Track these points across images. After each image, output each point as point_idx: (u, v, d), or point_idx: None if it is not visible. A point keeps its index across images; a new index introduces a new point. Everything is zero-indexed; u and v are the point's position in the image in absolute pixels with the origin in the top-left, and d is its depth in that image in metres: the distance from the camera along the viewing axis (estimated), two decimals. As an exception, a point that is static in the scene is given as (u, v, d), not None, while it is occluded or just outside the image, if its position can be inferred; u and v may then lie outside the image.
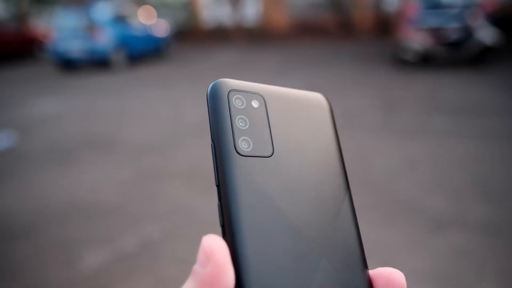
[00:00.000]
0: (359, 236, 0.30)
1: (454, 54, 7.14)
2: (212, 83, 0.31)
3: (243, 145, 0.28)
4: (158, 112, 5.39)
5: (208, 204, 2.75)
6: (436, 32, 7.13)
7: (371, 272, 0.29)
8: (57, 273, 2.10)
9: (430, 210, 2.51)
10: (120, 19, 10.11)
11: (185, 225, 2.52)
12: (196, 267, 0.24)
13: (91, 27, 9.42)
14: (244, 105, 0.30)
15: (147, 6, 13.46)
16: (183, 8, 17.37)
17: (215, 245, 0.24)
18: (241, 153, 0.28)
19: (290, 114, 0.32)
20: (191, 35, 15.58)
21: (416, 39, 7.27)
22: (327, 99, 0.35)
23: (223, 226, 0.26)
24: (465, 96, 5.17)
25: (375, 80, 6.39)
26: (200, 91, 6.54)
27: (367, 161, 3.35)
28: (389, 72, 7.00)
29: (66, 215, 2.71)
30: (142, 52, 10.48)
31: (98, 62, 9.42)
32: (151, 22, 11.65)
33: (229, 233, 0.26)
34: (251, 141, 0.29)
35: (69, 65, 9.61)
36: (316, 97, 0.34)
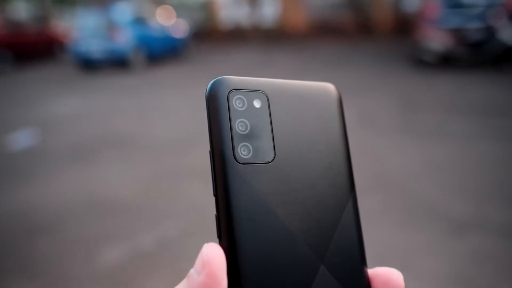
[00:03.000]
0: (360, 235, 0.30)
1: (476, 55, 7.00)
2: (211, 82, 0.29)
3: (243, 152, 0.27)
4: (177, 112, 5.44)
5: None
6: (457, 33, 7.00)
7: (370, 271, 0.29)
8: (77, 269, 2.14)
9: (451, 213, 2.47)
10: (139, 20, 10.22)
11: (202, 223, 2.53)
12: (192, 272, 0.25)
13: (111, 28, 9.55)
14: (245, 106, 0.28)
15: (166, 6, 13.59)
16: (202, 9, 17.47)
17: (213, 254, 0.24)
18: (240, 161, 0.27)
19: (295, 110, 0.30)
20: (209, 36, 15.66)
21: (436, 40, 7.16)
22: (337, 89, 0.32)
23: (219, 238, 0.26)
24: (487, 98, 5.07)
25: (395, 81, 6.32)
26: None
27: (387, 162, 3.31)
28: (408, 73, 6.91)
29: (87, 212, 2.75)
30: (161, 53, 10.57)
31: (117, 63, 9.54)
32: (170, 22, 11.74)
33: (225, 245, 0.26)
34: (251, 147, 0.27)
35: (89, 65, 9.76)
36: (325, 88, 0.32)
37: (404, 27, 12.40)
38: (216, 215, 0.27)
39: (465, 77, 6.34)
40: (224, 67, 9.22)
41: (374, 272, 0.29)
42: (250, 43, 13.40)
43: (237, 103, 0.28)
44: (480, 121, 4.20)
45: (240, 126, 0.28)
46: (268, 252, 0.26)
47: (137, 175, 3.34)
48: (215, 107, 0.28)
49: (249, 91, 0.29)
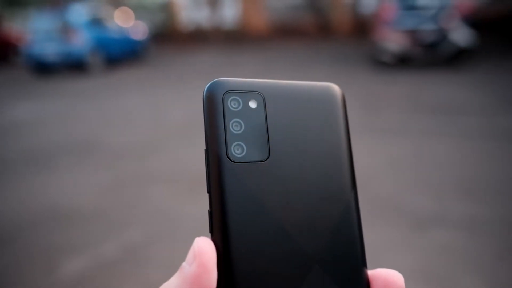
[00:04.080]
0: (361, 235, 0.29)
1: (430, 56, 7.28)
2: (208, 84, 0.30)
3: (236, 150, 0.28)
4: (138, 116, 5.33)
5: (191, 208, 2.72)
6: (412, 34, 7.25)
7: (370, 272, 0.29)
8: (37, 282, 2.04)
9: (413, 209, 2.54)
10: (96, 22, 9.96)
11: (168, 229, 2.49)
12: (184, 264, 0.26)
13: (66, 30, 9.26)
14: (240, 106, 0.29)
15: (124, 8, 13.31)
16: (161, 10, 17.24)
17: (204, 246, 0.26)
18: (233, 159, 0.28)
19: (293, 111, 0.30)
20: (169, 38, 15.46)
21: (393, 41, 7.38)
22: (340, 89, 0.33)
23: (211, 232, 0.27)
24: (443, 96, 5.28)
25: (354, 81, 6.47)
26: (180, 94, 6.49)
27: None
28: (368, 74, 7.09)
29: (46, 222, 2.64)
30: (120, 55, 10.34)
31: (74, 66, 9.25)
32: (129, 24, 11.51)
33: (217, 239, 0.27)
34: (244, 146, 0.28)
35: (44, 68, 9.42)
36: (327, 87, 0.32)
37: (362, 28, 12.71)
38: (209, 210, 0.27)
39: (421, 77, 6.57)
40: (185, 69, 9.13)
41: (374, 273, 0.28)
42: (211, 45, 13.34)
43: (232, 103, 0.29)
44: (438, 118, 4.36)
45: (234, 126, 0.28)
46: (258, 247, 0.26)
47: (98, 182, 3.24)
48: (210, 108, 0.29)
49: (245, 92, 0.30)
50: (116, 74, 9.03)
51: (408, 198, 2.68)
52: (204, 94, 0.29)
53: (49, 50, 9.16)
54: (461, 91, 5.50)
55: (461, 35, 7.05)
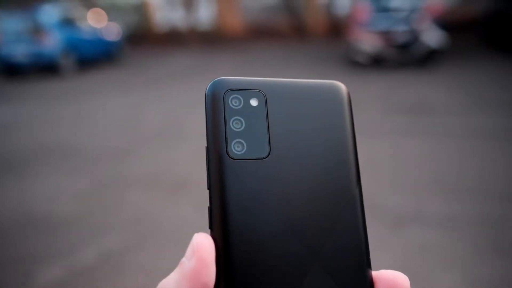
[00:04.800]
0: (365, 234, 0.29)
1: (403, 56, 7.43)
2: (209, 83, 0.30)
3: (236, 148, 0.28)
4: (113, 119, 5.24)
5: (171, 211, 2.69)
6: (385, 35, 7.39)
7: (374, 273, 0.28)
8: (11, 292, 1.98)
9: (390, 208, 2.58)
10: (68, 22, 9.74)
11: (147, 234, 2.45)
12: (183, 260, 0.26)
13: (37, 31, 9.02)
14: (241, 105, 0.29)
15: (97, 9, 13.07)
16: (135, 11, 17.00)
17: (202, 242, 0.26)
18: (233, 156, 0.28)
19: (296, 108, 0.30)
20: (144, 39, 15.26)
21: (366, 42, 7.50)
22: (345, 87, 0.33)
23: (211, 228, 0.27)
24: (416, 96, 5.39)
25: (330, 82, 6.52)
26: (156, 96, 6.42)
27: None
28: (342, 74, 7.18)
29: (21, 229, 2.56)
30: (93, 56, 10.14)
31: (45, 67, 9.02)
32: (101, 25, 11.30)
33: (215, 234, 0.26)
34: (245, 143, 0.28)
35: (14, 70, 9.16)
36: (331, 85, 0.32)
37: (337, 29, 12.86)
38: (208, 207, 0.28)
39: (394, 77, 6.70)
40: (160, 70, 9.03)
41: (379, 274, 0.28)
42: (187, 46, 13.25)
43: (233, 102, 0.29)
44: (412, 118, 4.45)
45: (235, 123, 0.29)
46: (258, 244, 0.26)
47: (74, 187, 3.17)
48: (211, 106, 0.29)
49: (247, 91, 0.30)
50: (89, 76, 8.85)
51: (385, 197, 2.72)
52: (206, 92, 0.30)
53: (19, 51, 8.92)
54: (434, 91, 5.63)
55: (432, 36, 7.23)
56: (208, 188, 0.28)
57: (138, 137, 4.41)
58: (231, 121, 0.29)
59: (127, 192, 3.04)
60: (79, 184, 3.22)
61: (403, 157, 3.43)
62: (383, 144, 3.73)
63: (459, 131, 3.97)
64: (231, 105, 0.29)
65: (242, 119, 0.29)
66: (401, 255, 2.12)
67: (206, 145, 0.29)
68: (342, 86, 0.33)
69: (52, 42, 8.97)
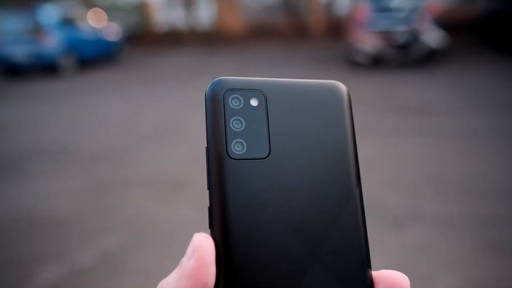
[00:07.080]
0: (365, 234, 0.29)
1: (403, 56, 7.43)
2: (209, 84, 0.30)
3: (236, 148, 0.28)
4: (112, 119, 5.23)
5: (168, 212, 2.69)
6: (385, 35, 7.39)
7: (374, 273, 0.28)
8: (10, 292, 1.98)
9: (388, 208, 2.58)
10: (68, 22, 9.74)
11: (144, 235, 2.45)
12: (183, 260, 0.26)
13: (37, 31, 9.02)
14: (241, 105, 0.29)
15: (97, 9, 13.06)
16: (135, 11, 16.99)
17: (202, 241, 0.26)
18: (233, 156, 0.28)
19: (296, 108, 0.30)
20: (143, 39, 15.26)
21: (367, 42, 7.50)
22: (345, 87, 0.33)
23: (211, 228, 0.27)
24: (416, 96, 5.39)
25: (330, 82, 6.52)
26: (155, 96, 6.41)
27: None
28: (342, 74, 7.17)
29: (19, 230, 2.56)
30: (93, 57, 10.14)
31: (45, 67, 9.02)
32: (101, 25, 11.30)
33: (215, 234, 0.27)
34: (245, 143, 0.28)
35: (14, 70, 9.16)
36: (332, 85, 0.32)
37: (337, 30, 12.86)
38: (208, 206, 0.28)
39: (394, 77, 6.70)
40: (159, 70, 9.03)
41: (379, 274, 0.28)
42: (187, 46, 13.25)
43: (233, 102, 0.29)
44: (411, 118, 4.45)
45: (235, 123, 0.29)
46: (258, 243, 0.26)
47: (72, 188, 3.17)
48: (211, 106, 0.29)
49: (247, 91, 0.30)
50: (89, 76, 8.85)
51: (385, 197, 2.72)
52: (206, 92, 0.30)
53: (19, 51, 8.91)
54: (433, 91, 5.63)
55: (432, 36, 7.23)
56: (208, 188, 0.28)
57: (137, 137, 4.41)
58: (231, 121, 0.29)
59: (124, 193, 3.04)
60: (77, 184, 3.22)
61: (402, 157, 3.43)
62: (383, 144, 3.73)
63: (458, 131, 3.97)
64: (231, 105, 0.29)
65: (242, 119, 0.29)
66: (400, 255, 2.12)
67: (206, 145, 0.29)
68: (342, 86, 0.33)
69: (52, 42, 8.96)
